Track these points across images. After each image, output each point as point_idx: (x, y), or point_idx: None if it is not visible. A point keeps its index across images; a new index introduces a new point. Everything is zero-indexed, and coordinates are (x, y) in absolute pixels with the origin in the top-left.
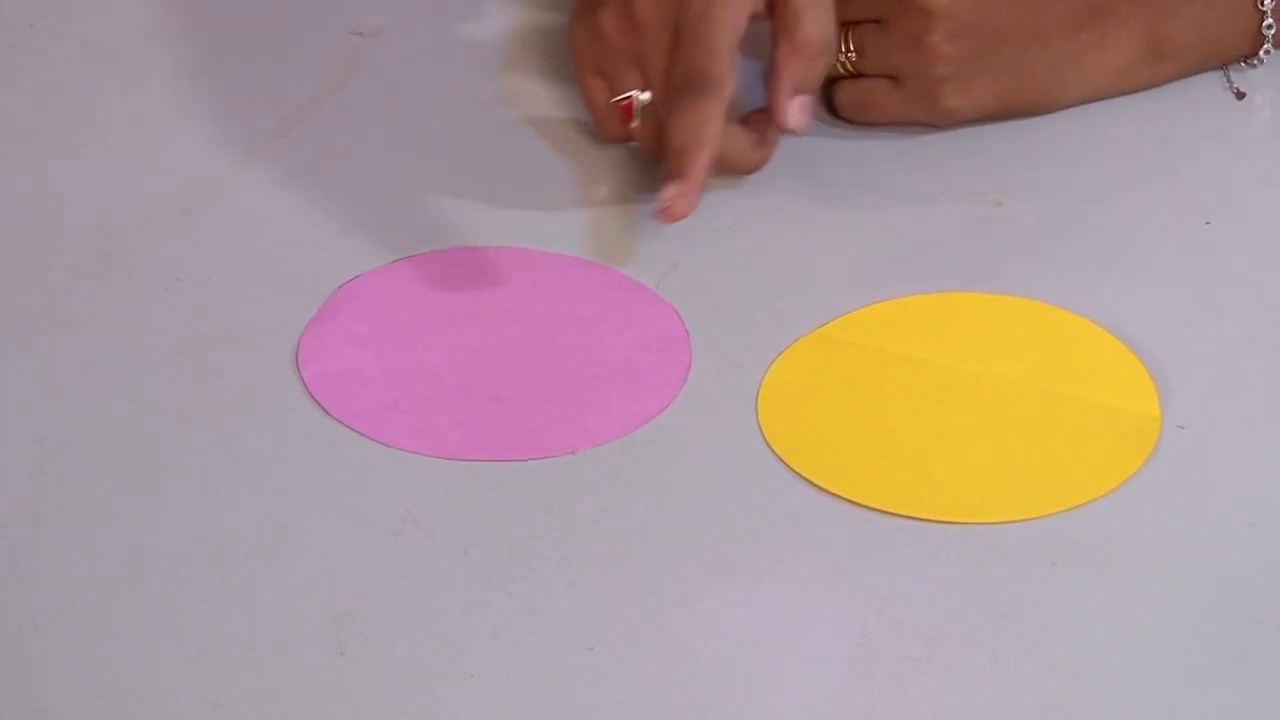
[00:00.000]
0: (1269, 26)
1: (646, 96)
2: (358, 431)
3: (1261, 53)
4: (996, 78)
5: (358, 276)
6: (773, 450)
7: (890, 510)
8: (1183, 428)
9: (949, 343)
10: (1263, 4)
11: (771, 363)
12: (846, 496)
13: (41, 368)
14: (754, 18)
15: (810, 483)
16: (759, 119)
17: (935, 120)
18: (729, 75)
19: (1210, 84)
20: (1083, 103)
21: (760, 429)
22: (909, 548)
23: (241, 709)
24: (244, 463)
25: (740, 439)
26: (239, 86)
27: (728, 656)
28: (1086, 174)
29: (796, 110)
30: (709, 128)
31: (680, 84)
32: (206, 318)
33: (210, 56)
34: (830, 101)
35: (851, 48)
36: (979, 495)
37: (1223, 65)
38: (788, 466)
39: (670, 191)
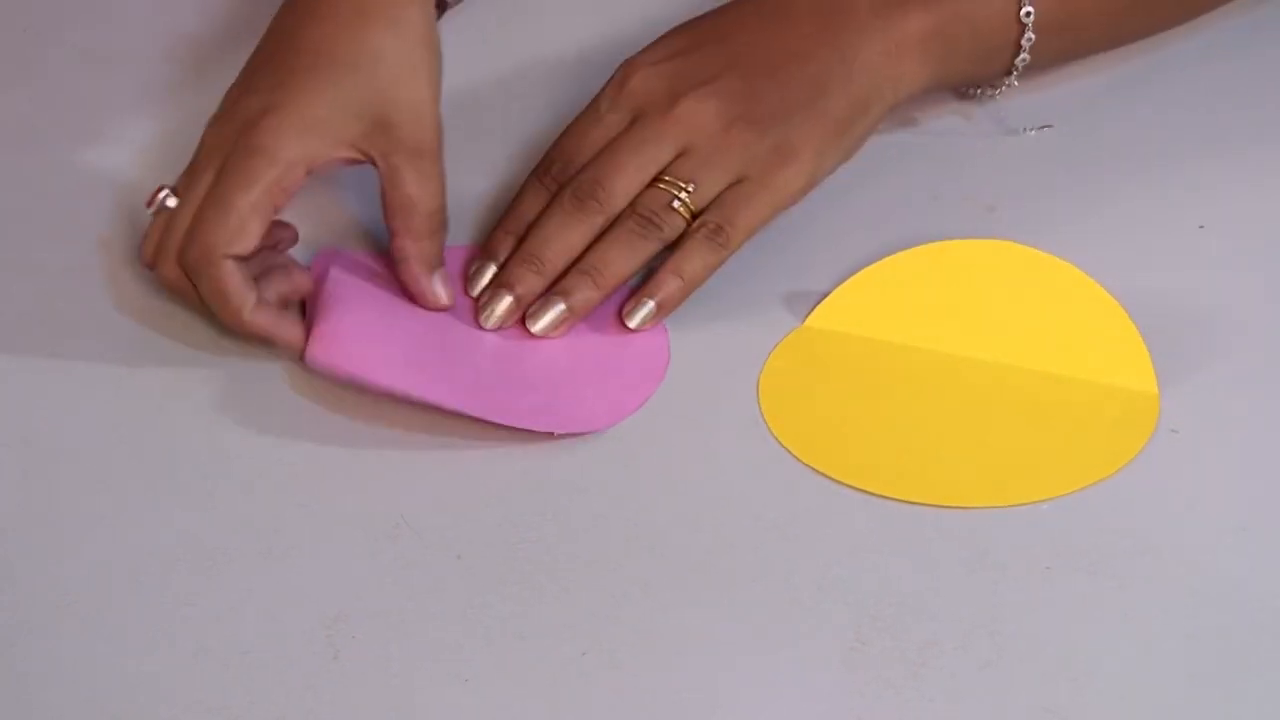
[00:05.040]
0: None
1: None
2: (350, 374)
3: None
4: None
5: (336, 250)
6: (774, 434)
7: (890, 495)
8: (1176, 431)
9: (944, 324)
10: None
11: (769, 354)
12: (846, 481)
13: (34, 369)
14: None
15: (808, 465)
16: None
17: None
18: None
19: (1202, 86)
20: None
21: (764, 418)
22: (902, 551)
23: (235, 712)
24: (237, 466)
25: (734, 441)
26: None
27: (721, 659)
28: (1077, 178)
29: (439, 287)
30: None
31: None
32: (199, 321)
33: (204, 59)
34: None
35: (682, 186)
36: (977, 479)
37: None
38: (783, 447)
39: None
